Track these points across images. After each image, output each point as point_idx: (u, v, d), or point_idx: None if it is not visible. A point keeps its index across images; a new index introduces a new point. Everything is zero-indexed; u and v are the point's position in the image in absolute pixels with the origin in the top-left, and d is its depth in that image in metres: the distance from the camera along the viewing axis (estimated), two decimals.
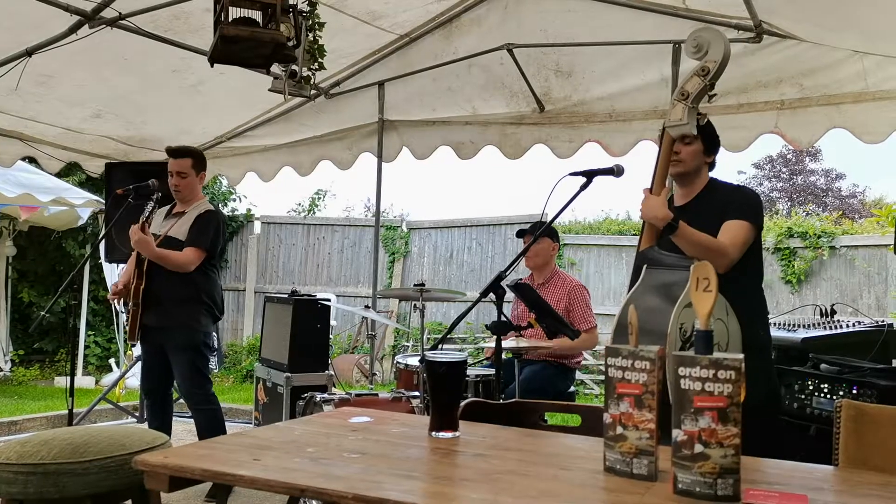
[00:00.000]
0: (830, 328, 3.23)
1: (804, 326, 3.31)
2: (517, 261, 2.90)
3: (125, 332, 7.91)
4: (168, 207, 4.04)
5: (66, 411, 4.17)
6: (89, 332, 8.98)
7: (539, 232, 3.41)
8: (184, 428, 5.80)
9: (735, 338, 2.10)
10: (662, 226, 2.26)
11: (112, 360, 8.92)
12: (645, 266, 2.23)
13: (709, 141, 2.53)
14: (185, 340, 3.82)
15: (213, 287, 3.92)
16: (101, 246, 5.78)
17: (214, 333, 4.02)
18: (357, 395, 3.63)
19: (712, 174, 2.60)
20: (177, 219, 3.90)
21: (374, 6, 4.01)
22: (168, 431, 3.92)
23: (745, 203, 2.43)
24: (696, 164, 2.52)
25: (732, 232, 2.35)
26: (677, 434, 1.28)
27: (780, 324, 3.36)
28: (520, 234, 4.28)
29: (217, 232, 3.87)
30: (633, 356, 1.40)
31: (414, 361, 4.03)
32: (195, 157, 3.96)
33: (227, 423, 4.07)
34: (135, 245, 3.70)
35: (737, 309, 2.13)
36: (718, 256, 2.26)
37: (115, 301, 4.05)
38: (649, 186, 2.36)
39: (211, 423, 3.88)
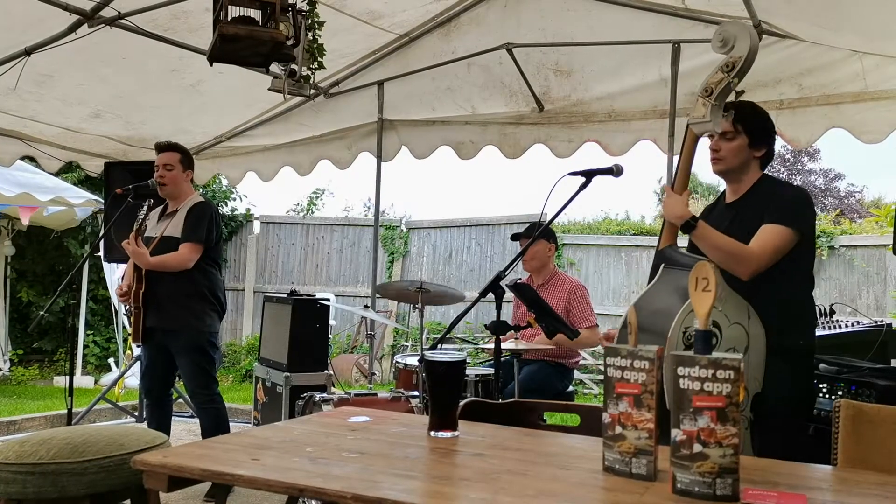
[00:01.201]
0: (829, 328, 3.24)
1: None
2: (516, 261, 2.90)
3: (125, 332, 7.94)
4: (161, 208, 4.03)
5: (65, 411, 4.17)
6: (88, 332, 8.97)
7: (535, 234, 3.36)
8: (183, 428, 5.80)
9: (758, 342, 2.05)
10: (680, 224, 2.19)
11: (111, 360, 8.91)
12: (662, 265, 2.20)
13: (756, 134, 2.31)
14: (190, 341, 3.81)
15: (214, 284, 3.91)
16: (101, 245, 5.78)
17: (219, 328, 4.00)
18: (356, 395, 3.64)
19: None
20: (170, 218, 3.89)
21: (373, 6, 4.01)
22: (167, 431, 3.92)
23: (786, 204, 2.22)
24: (740, 160, 2.31)
25: (764, 237, 2.18)
26: (676, 434, 1.28)
27: None
28: (514, 237, 4.26)
29: (211, 223, 3.84)
30: (632, 356, 1.40)
31: (413, 361, 4.03)
32: (182, 153, 3.96)
33: None
34: (131, 257, 3.74)
35: (775, 315, 2.08)
36: (740, 263, 2.14)
37: (123, 303, 4.05)
38: (671, 184, 2.31)
39: (215, 423, 3.87)
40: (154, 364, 3.95)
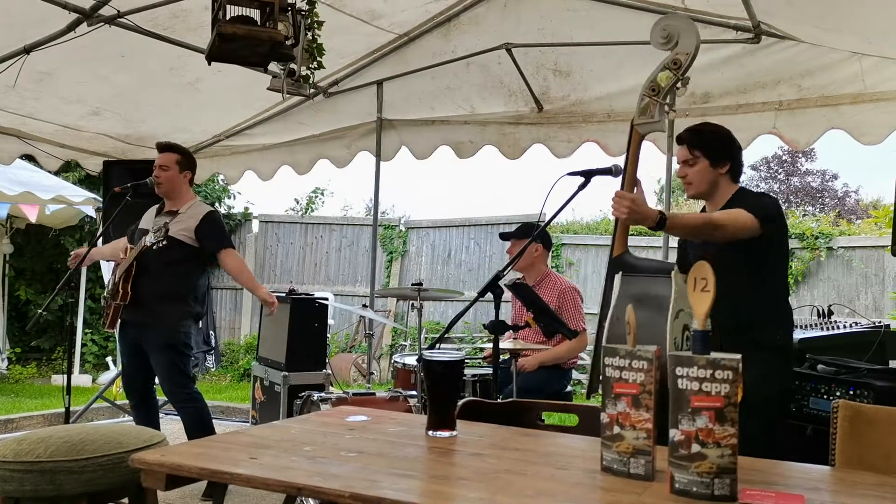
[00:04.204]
0: (828, 329, 3.24)
1: (801, 327, 3.31)
2: (515, 261, 2.90)
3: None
4: (157, 206, 4.02)
5: (63, 409, 4.16)
6: (86, 331, 8.96)
7: (511, 234, 3.29)
8: (179, 427, 5.78)
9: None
10: (651, 225, 2.11)
11: (109, 359, 8.90)
12: (620, 274, 2.04)
13: (715, 153, 2.43)
14: (165, 340, 3.78)
15: (198, 287, 3.93)
16: (99, 244, 5.77)
17: (193, 332, 4.01)
18: (354, 394, 3.64)
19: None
20: (170, 217, 3.84)
21: (373, 5, 4.00)
22: (156, 428, 3.90)
23: (757, 203, 2.36)
24: (708, 181, 2.44)
25: (733, 212, 2.29)
26: (674, 434, 1.28)
27: None
28: (503, 236, 4.25)
29: (224, 226, 4.02)
30: (630, 356, 1.40)
31: (411, 360, 4.03)
32: (182, 154, 3.97)
33: (223, 422, 4.07)
34: None
35: (755, 312, 2.12)
36: (713, 228, 2.21)
37: (73, 262, 4.08)
38: (620, 188, 2.24)
39: (195, 422, 3.85)
40: (132, 363, 3.94)
